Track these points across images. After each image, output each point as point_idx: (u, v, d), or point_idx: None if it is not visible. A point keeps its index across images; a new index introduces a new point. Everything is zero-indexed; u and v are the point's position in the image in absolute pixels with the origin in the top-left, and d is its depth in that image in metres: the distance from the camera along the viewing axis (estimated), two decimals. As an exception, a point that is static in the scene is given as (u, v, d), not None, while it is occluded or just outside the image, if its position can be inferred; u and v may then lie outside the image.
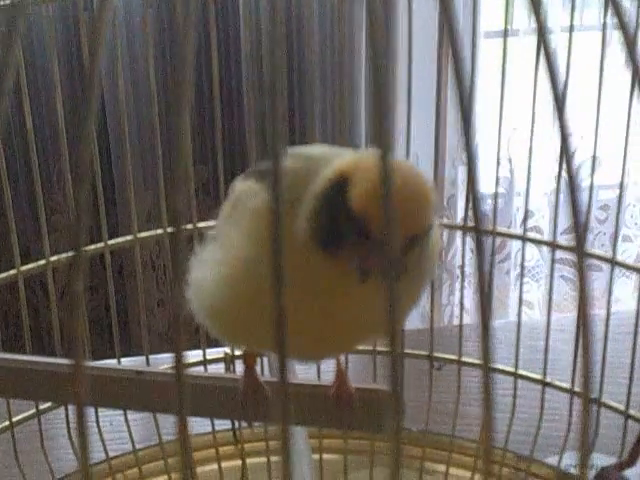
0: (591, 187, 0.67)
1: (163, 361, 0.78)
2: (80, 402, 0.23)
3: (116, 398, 0.50)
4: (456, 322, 1.68)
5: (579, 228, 0.23)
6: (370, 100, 0.23)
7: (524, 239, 0.69)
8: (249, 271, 0.43)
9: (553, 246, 0.67)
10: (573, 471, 0.67)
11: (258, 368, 0.56)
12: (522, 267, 0.70)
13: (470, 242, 0.77)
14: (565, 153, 0.23)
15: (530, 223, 1.68)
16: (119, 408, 0.64)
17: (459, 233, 1.61)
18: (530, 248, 1.63)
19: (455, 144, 1.61)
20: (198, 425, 0.74)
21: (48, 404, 0.68)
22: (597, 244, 1.76)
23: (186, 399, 0.23)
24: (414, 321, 1.60)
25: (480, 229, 0.22)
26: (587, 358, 0.23)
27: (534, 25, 0.65)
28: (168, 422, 0.74)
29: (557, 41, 1.49)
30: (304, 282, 0.40)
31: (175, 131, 0.23)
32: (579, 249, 0.24)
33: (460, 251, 1.66)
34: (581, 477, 0.25)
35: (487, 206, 1.75)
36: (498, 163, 0.71)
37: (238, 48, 1.49)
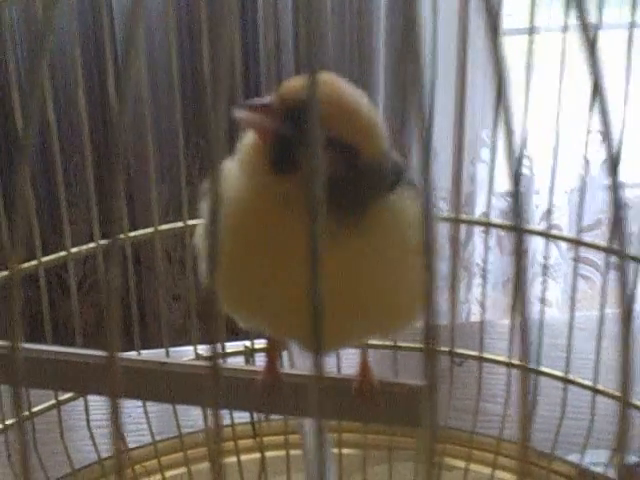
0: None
1: (182, 354, 0.78)
2: (114, 393, 0.23)
3: (140, 389, 0.50)
4: (473, 319, 1.67)
5: (620, 228, 0.23)
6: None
7: (547, 236, 0.68)
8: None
9: (576, 243, 0.67)
10: (595, 469, 0.67)
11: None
12: (545, 263, 0.70)
13: (488, 238, 0.76)
14: (608, 154, 0.23)
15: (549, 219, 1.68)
16: (143, 399, 0.64)
17: (478, 231, 1.61)
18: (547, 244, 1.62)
19: (475, 140, 1.60)
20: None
21: (68, 395, 0.68)
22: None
23: (221, 390, 0.23)
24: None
25: (520, 228, 0.22)
26: (626, 359, 0.22)
27: (561, 22, 0.64)
28: (187, 414, 0.74)
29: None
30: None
31: (212, 126, 0.23)
32: (620, 248, 0.23)
33: (477, 248, 1.66)
34: None
35: (506, 203, 1.74)
36: (520, 160, 0.71)
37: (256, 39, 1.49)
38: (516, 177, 0.24)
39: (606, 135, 0.25)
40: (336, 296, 0.42)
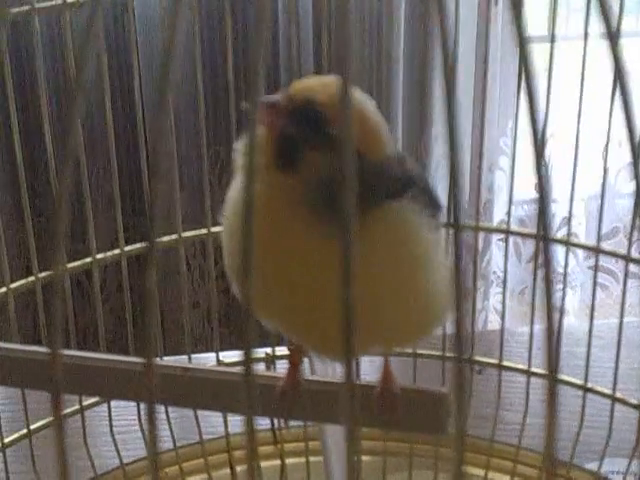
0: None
1: (203, 361, 0.78)
2: (152, 398, 0.23)
3: (164, 395, 0.50)
4: (490, 327, 1.67)
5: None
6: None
7: (567, 244, 0.69)
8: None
9: (596, 251, 0.67)
10: (614, 477, 0.67)
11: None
12: (565, 272, 0.70)
13: (505, 242, 0.76)
14: (634, 162, 0.23)
15: (567, 229, 1.68)
16: (166, 404, 0.65)
17: (495, 239, 1.61)
18: (564, 252, 1.62)
19: (492, 148, 1.61)
20: (238, 424, 0.74)
21: (91, 400, 0.68)
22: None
23: (255, 396, 0.24)
24: (450, 326, 1.59)
25: (548, 237, 0.22)
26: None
27: (581, 30, 0.64)
28: (208, 420, 0.75)
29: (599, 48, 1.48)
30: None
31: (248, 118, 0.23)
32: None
33: (495, 256, 1.66)
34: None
35: (524, 212, 1.74)
36: (540, 169, 0.71)
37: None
38: (542, 189, 0.25)
39: (631, 141, 0.26)
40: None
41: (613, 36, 0.24)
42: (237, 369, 0.58)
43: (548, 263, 0.22)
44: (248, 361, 0.24)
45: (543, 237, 0.22)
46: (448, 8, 0.24)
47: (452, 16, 0.65)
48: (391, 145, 0.46)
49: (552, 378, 0.23)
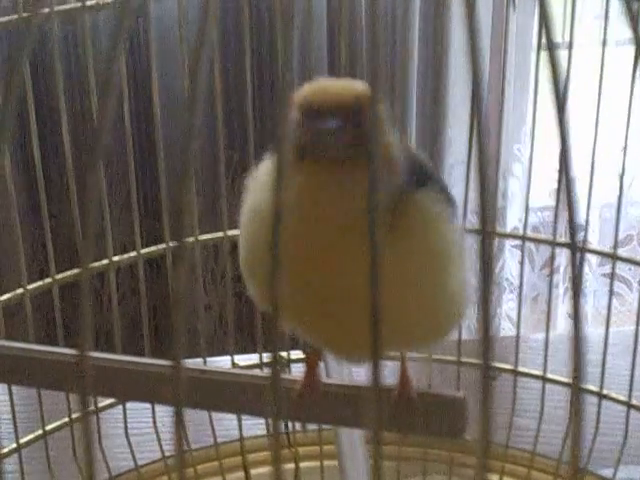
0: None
1: (217, 364, 0.79)
2: (179, 402, 0.23)
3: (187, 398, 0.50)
4: (503, 334, 1.67)
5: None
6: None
7: (582, 250, 0.69)
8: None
9: (613, 258, 0.67)
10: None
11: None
12: (580, 279, 0.70)
13: (522, 248, 0.76)
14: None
15: (580, 236, 1.67)
16: (192, 408, 0.65)
17: (508, 246, 1.61)
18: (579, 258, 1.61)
19: (506, 156, 1.60)
20: (252, 428, 0.74)
21: (106, 402, 0.69)
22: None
23: (283, 400, 0.24)
24: (463, 332, 1.59)
25: (576, 245, 0.22)
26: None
27: (599, 37, 0.64)
28: (222, 423, 0.75)
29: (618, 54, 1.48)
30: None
31: (279, 122, 0.23)
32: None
33: (508, 264, 1.66)
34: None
35: (537, 219, 1.74)
36: (560, 176, 0.71)
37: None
38: (570, 199, 0.25)
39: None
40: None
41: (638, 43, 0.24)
42: (255, 372, 0.58)
43: (576, 272, 0.22)
44: (276, 364, 0.24)
45: (570, 245, 0.22)
46: (477, 12, 0.24)
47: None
48: (401, 142, 0.46)
49: (577, 386, 0.23)
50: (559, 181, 0.68)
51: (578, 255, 0.69)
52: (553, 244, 0.67)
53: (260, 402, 0.47)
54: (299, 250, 0.43)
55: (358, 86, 0.44)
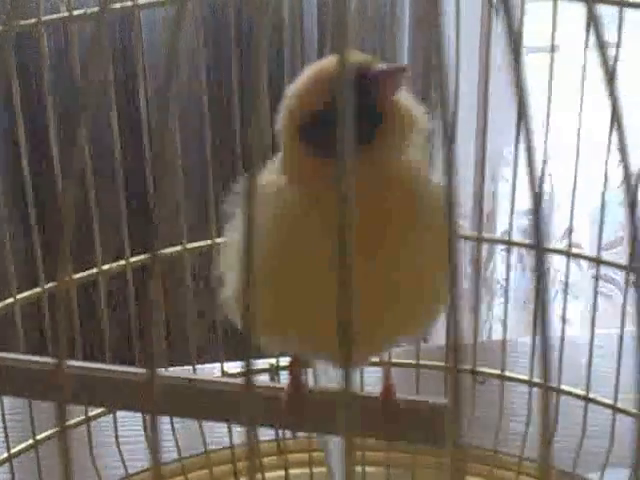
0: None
1: (208, 371, 0.79)
2: (155, 409, 0.24)
3: (168, 406, 0.51)
4: (495, 337, 1.67)
5: (637, 245, 0.24)
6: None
7: (568, 254, 0.69)
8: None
9: (597, 262, 0.67)
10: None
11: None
12: (566, 283, 0.70)
13: (509, 257, 0.77)
14: (624, 168, 0.24)
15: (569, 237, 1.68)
16: (170, 415, 0.66)
17: (499, 249, 1.61)
18: (567, 262, 1.61)
19: (496, 158, 1.61)
20: (242, 435, 0.75)
21: (97, 411, 0.69)
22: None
23: (256, 408, 0.24)
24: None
25: (542, 247, 0.23)
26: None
27: (580, 39, 0.65)
28: (213, 431, 0.75)
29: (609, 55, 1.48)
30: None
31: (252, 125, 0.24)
32: (636, 267, 0.24)
33: (499, 266, 1.66)
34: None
35: (528, 222, 1.75)
36: (542, 179, 0.72)
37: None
38: (537, 197, 0.25)
39: (623, 155, 0.26)
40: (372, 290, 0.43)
41: (603, 46, 0.24)
42: (239, 380, 0.58)
43: (540, 272, 0.23)
44: (249, 372, 0.24)
45: (534, 246, 0.23)
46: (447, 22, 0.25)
47: (453, 23, 0.65)
48: None
49: (546, 388, 0.23)
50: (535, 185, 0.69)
51: (565, 259, 0.69)
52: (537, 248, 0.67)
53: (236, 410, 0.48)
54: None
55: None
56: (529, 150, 0.26)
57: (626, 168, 0.23)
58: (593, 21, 0.26)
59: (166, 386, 0.49)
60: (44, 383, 0.46)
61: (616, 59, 0.61)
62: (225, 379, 0.57)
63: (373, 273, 0.43)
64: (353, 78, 0.43)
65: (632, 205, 0.23)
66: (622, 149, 0.23)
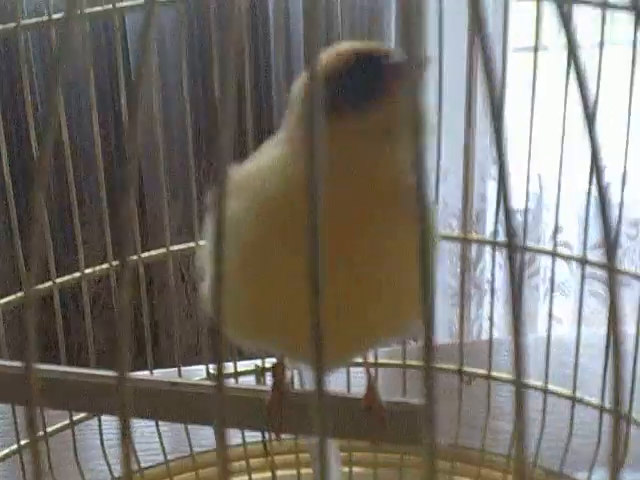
0: (621, 203, 0.68)
1: (194, 373, 0.79)
2: (125, 413, 0.23)
3: (151, 409, 0.50)
4: (484, 337, 1.68)
5: (610, 244, 0.23)
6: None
7: (554, 255, 0.69)
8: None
9: (583, 262, 0.67)
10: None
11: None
12: (552, 283, 0.70)
13: (500, 257, 0.77)
14: (595, 168, 0.24)
15: (559, 238, 1.68)
16: (154, 419, 0.65)
17: (488, 248, 1.61)
18: (559, 263, 1.61)
19: (484, 159, 1.61)
20: (230, 437, 0.74)
21: (81, 415, 0.69)
22: (627, 261, 1.75)
23: (227, 410, 0.24)
24: (442, 335, 1.60)
25: (512, 245, 0.23)
26: (618, 375, 0.23)
27: (564, 40, 0.65)
28: (199, 433, 0.75)
29: (587, 56, 1.48)
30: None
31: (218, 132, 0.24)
32: (610, 266, 0.24)
33: (488, 266, 1.66)
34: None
35: (517, 221, 1.75)
36: (528, 178, 0.72)
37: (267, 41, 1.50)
38: (507, 194, 0.25)
39: (594, 157, 0.26)
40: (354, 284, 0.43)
41: (573, 45, 0.24)
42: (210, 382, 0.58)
43: (513, 270, 0.22)
44: (220, 376, 0.24)
45: (507, 245, 0.23)
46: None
47: (437, 19, 0.65)
48: None
49: (519, 385, 0.23)
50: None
51: (551, 259, 0.68)
52: (522, 250, 0.67)
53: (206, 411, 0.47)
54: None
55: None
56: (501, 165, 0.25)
57: (597, 168, 0.23)
58: (564, 21, 0.26)
59: (147, 390, 0.49)
60: (16, 387, 0.46)
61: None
62: (206, 382, 0.57)
63: (350, 272, 0.43)
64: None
65: (603, 205, 0.23)
66: (593, 147, 0.23)
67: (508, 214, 0.22)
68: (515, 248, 0.23)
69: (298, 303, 0.43)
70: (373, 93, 0.44)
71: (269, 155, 0.46)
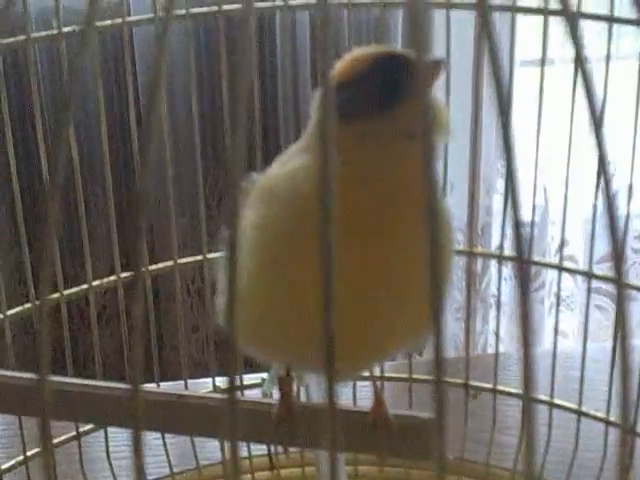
0: (627, 216, 0.68)
1: (200, 386, 0.79)
2: (138, 426, 0.23)
3: (157, 421, 0.50)
4: (490, 351, 1.67)
5: (618, 259, 0.24)
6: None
7: (560, 269, 0.69)
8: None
9: (589, 276, 0.67)
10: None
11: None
12: (558, 297, 0.70)
13: (504, 271, 0.77)
14: (604, 181, 0.24)
15: (565, 252, 1.68)
16: (159, 431, 0.65)
17: (494, 262, 1.61)
18: (564, 277, 1.60)
19: (490, 173, 1.61)
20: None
21: (88, 427, 0.69)
22: (632, 274, 1.75)
23: (239, 423, 0.24)
24: (448, 349, 1.59)
25: (523, 259, 0.23)
26: (626, 389, 0.23)
27: (571, 54, 0.65)
28: (205, 446, 0.75)
29: (593, 69, 1.48)
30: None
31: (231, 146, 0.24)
32: (618, 280, 0.24)
33: (494, 279, 1.66)
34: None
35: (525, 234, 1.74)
36: (535, 191, 0.72)
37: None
38: (517, 210, 0.25)
39: (602, 169, 0.26)
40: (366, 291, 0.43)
41: (582, 60, 0.24)
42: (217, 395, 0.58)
43: (524, 285, 0.23)
44: (233, 388, 0.24)
45: (520, 260, 0.23)
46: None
47: (445, 37, 0.65)
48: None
49: (527, 398, 0.23)
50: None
51: (556, 273, 0.68)
52: (528, 263, 0.67)
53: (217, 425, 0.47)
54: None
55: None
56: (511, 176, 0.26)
57: (607, 182, 0.23)
58: (574, 36, 0.26)
59: (154, 402, 0.49)
60: (28, 399, 0.46)
61: (607, 73, 0.61)
62: (213, 394, 0.57)
63: (365, 280, 0.43)
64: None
65: (611, 217, 0.23)
66: (601, 158, 0.23)
67: (517, 227, 0.22)
68: (525, 262, 0.23)
69: (311, 314, 0.43)
70: (395, 95, 0.44)
71: (290, 164, 0.46)
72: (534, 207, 0.72)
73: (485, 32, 0.24)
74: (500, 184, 1.65)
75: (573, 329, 1.69)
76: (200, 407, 0.51)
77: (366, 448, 0.52)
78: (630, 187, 0.67)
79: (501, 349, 0.74)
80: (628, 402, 0.24)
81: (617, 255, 0.24)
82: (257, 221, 0.45)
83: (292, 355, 0.49)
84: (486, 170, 1.59)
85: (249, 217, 0.45)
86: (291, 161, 0.46)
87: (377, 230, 0.43)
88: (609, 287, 1.68)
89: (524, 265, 0.22)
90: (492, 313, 1.69)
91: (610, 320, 1.67)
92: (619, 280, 0.24)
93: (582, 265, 1.70)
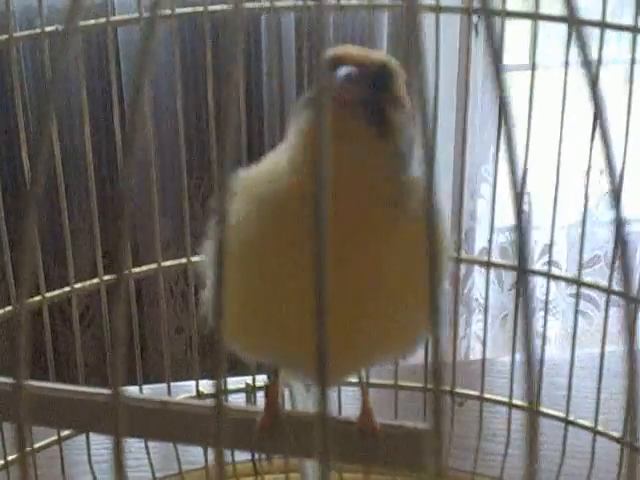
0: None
1: (183, 389, 0.78)
2: (118, 432, 0.23)
3: (140, 428, 0.50)
4: (472, 355, 1.67)
5: (627, 272, 0.23)
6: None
7: (549, 276, 0.69)
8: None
9: (578, 283, 0.67)
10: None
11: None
12: (546, 304, 0.70)
13: (486, 275, 0.76)
14: (613, 192, 0.23)
15: (547, 257, 1.68)
16: (142, 438, 0.64)
17: (477, 267, 1.61)
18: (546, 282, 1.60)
19: (474, 177, 1.61)
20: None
21: (69, 431, 0.68)
22: (617, 279, 1.74)
23: (225, 430, 0.23)
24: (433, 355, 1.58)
25: (525, 269, 0.22)
26: (634, 402, 0.22)
27: (560, 58, 0.64)
28: (188, 451, 0.74)
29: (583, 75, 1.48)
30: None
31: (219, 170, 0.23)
32: (626, 292, 0.24)
33: (477, 284, 1.66)
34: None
35: (505, 239, 1.75)
36: (520, 196, 0.71)
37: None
38: (519, 215, 0.24)
39: (610, 170, 0.25)
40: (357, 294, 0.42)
41: (590, 65, 0.24)
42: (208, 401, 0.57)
43: (527, 298, 0.22)
44: (219, 393, 0.23)
45: (520, 270, 0.22)
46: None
47: (433, 42, 0.65)
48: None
49: (532, 411, 0.22)
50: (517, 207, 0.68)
51: (541, 279, 0.68)
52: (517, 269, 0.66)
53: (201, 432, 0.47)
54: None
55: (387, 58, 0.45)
56: (511, 164, 0.25)
57: (612, 183, 0.23)
58: (580, 42, 0.25)
59: (137, 408, 0.48)
60: (6, 404, 0.45)
61: (597, 77, 0.61)
62: (197, 401, 0.56)
63: (351, 283, 0.42)
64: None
65: (619, 224, 0.23)
66: (609, 162, 0.22)
67: (522, 238, 0.22)
68: (525, 271, 0.22)
69: (301, 314, 0.42)
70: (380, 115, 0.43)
71: (272, 161, 0.46)
72: (520, 212, 0.72)
73: (484, 36, 0.23)
74: (484, 188, 1.64)
75: (556, 335, 1.69)
76: (184, 414, 0.50)
77: (353, 458, 0.51)
78: (615, 192, 0.66)
79: (481, 355, 0.74)
80: (636, 415, 0.23)
81: (626, 270, 0.23)
82: (243, 216, 0.44)
83: (276, 352, 0.48)
84: (470, 174, 1.59)
85: (235, 211, 0.44)
86: (273, 160, 0.46)
87: (357, 231, 0.43)
88: (593, 293, 1.68)
89: (525, 275, 0.22)
90: (475, 317, 1.69)
91: (594, 326, 1.67)
92: (627, 293, 0.23)
93: (565, 270, 1.70)
